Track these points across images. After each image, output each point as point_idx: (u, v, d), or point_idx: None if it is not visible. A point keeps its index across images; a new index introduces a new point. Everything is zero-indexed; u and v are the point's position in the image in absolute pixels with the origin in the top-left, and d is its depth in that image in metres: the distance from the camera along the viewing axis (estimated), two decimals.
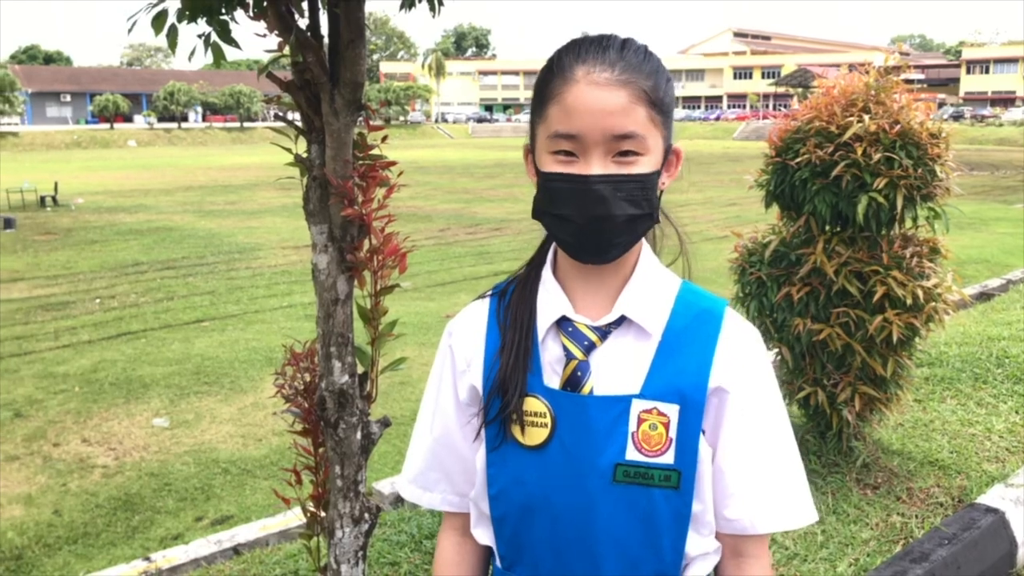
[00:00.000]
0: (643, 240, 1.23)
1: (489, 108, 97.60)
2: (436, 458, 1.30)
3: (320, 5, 2.13)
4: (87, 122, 72.23)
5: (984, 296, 8.66)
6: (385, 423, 2.31)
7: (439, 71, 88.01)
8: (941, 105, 71.60)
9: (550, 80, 1.15)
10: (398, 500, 4.23)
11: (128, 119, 70.95)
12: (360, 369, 2.20)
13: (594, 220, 1.12)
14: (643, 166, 1.13)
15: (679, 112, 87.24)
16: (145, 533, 5.20)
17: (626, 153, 1.11)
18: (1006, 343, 5.80)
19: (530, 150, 1.22)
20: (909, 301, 3.44)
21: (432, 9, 2.37)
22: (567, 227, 1.14)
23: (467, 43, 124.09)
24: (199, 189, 27.09)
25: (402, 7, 2.27)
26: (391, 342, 2.22)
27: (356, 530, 2.24)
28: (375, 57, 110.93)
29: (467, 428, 1.25)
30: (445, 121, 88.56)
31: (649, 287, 1.21)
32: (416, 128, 78.53)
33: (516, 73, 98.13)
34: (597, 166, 1.11)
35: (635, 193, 1.13)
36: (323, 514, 2.33)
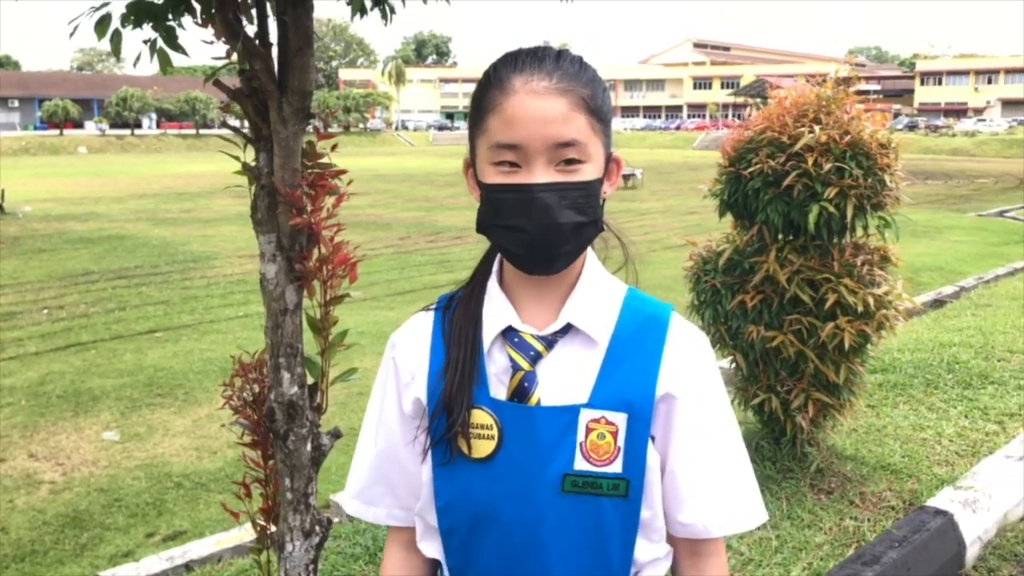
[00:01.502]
0: (588, 248, 1.23)
1: (450, 116, 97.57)
2: (380, 472, 1.29)
3: (269, 12, 2.10)
4: (35, 128, 70.69)
5: (938, 303, 8.85)
6: (336, 435, 2.27)
7: (399, 78, 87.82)
8: (896, 115, 73.31)
9: (488, 91, 1.15)
10: None
11: (78, 125, 69.47)
12: (310, 380, 2.17)
13: (541, 230, 1.11)
14: (586, 173, 1.13)
15: (640, 121, 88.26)
16: (94, 550, 5.07)
17: (569, 161, 1.11)
18: (957, 349, 5.93)
19: (470, 163, 1.22)
20: (860, 308, 3.49)
21: (384, 17, 2.35)
22: (514, 238, 1.13)
23: (428, 51, 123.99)
24: (153, 197, 26.62)
25: (354, 14, 2.25)
26: (350, 351, 2.19)
27: (307, 543, 2.20)
28: (334, 64, 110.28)
29: (412, 443, 1.24)
30: (406, 128, 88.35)
31: (595, 295, 1.21)
32: (376, 136, 78.18)
33: (477, 81, 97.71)
34: (541, 175, 1.11)
35: (580, 200, 1.12)
36: (273, 528, 2.29)
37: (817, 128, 3.48)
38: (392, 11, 2.35)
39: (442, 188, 29.72)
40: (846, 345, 3.53)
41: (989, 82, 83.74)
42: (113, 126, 69.34)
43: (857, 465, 3.99)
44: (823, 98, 3.63)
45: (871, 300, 3.51)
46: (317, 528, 2.24)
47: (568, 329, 1.18)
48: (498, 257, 1.25)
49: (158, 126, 74.32)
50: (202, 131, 69.56)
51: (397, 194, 27.39)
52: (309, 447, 2.16)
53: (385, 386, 1.28)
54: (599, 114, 1.15)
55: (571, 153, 1.11)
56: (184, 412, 7.13)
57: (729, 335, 3.81)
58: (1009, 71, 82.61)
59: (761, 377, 3.80)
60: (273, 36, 2.07)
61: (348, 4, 2.18)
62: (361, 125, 79.74)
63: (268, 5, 2.09)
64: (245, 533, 4.16)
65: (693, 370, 1.20)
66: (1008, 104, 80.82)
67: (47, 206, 23.45)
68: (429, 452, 1.20)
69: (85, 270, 13.71)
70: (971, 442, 4.33)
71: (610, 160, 1.20)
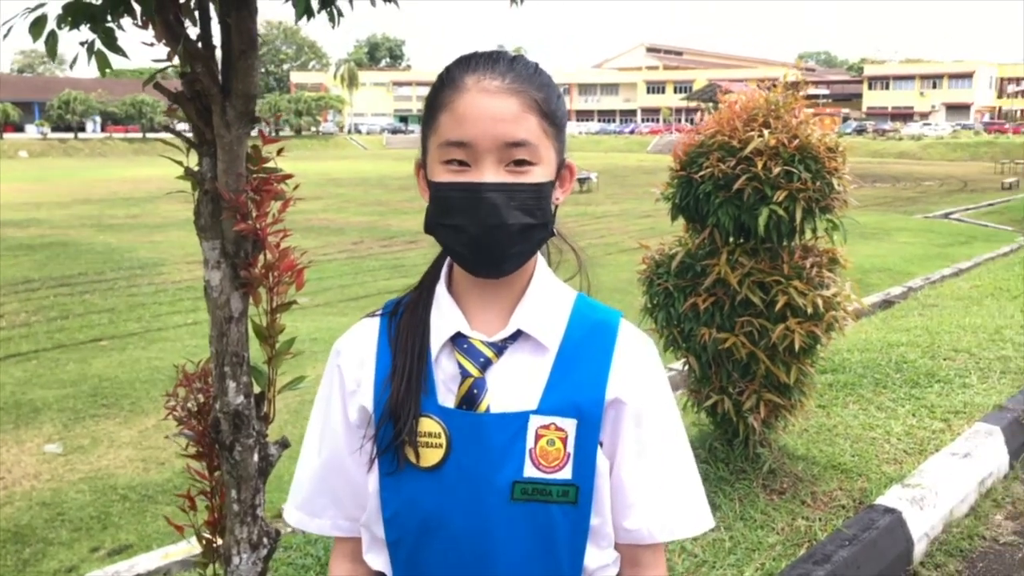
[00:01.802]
0: (538, 254, 1.22)
1: (404, 119, 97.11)
2: (324, 482, 1.26)
3: (212, 14, 2.04)
4: None
5: (887, 304, 9.02)
6: (284, 444, 2.23)
7: (352, 81, 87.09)
8: (845, 119, 74.90)
9: (440, 91, 1.15)
10: None
11: (19, 129, 67.50)
12: (256, 389, 2.12)
13: (488, 230, 1.10)
14: (536, 175, 1.12)
15: (595, 126, 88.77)
16: (37, 566, 4.91)
17: (520, 163, 1.11)
18: (904, 349, 6.05)
19: (421, 165, 1.20)
20: (810, 310, 3.53)
21: (331, 19, 2.31)
22: (460, 238, 1.12)
23: (381, 53, 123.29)
24: (98, 202, 26.01)
25: (299, 17, 2.20)
26: (302, 358, 2.15)
27: (254, 556, 2.15)
28: (285, 67, 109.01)
29: (358, 453, 1.21)
30: (359, 132, 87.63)
31: (545, 300, 1.20)
32: (329, 139, 77.40)
33: (431, 84, 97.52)
34: (490, 174, 1.10)
35: (529, 202, 1.12)
36: (220, 541, 2.24)
37: (766, 132, 3.52)
38: (340, 14, 2.31)
39: (396, 192, 29.53)
40: (796, 346, 3.57)
41: (934, 87, 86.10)
42: (55, 129, 67.45)
43: (808, 465, 4.04)
44: (772, 102, 3.67)
45: (820, 302, 3.55)
46: (265, 540, 2.19)
47: (518, 335, 1.18)
48: (447, 262, 1.24)
49: (103, 129, 72.51)
50: (149, 135, 68.12)
51: (350, 198, 27.15)
52: (256, 457, 2.12)
53: (330, 394, 1.26)
54: (552, 118, 1.14)
55: (521, 154, 1.10)
56: (130, 423, 6.96)
57: (682, 337, 3.83)
58: (953, 76, 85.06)
59: (713, 379, 3.83)
60: (217, 39, 2.03)
61: (293, 6, 2.14)
62: (313, 129, 78.90)
63: (211, 7, 2.04)
64: (193, 547, 4.05)
65: (641, 376, 1.20)
66: (952, 108, 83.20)
67: None
68: (375, 462, 1.18)
69: (25, 278, 13.32)
70: (918, 440, 4.42)
71: (563, 166, 1.20)
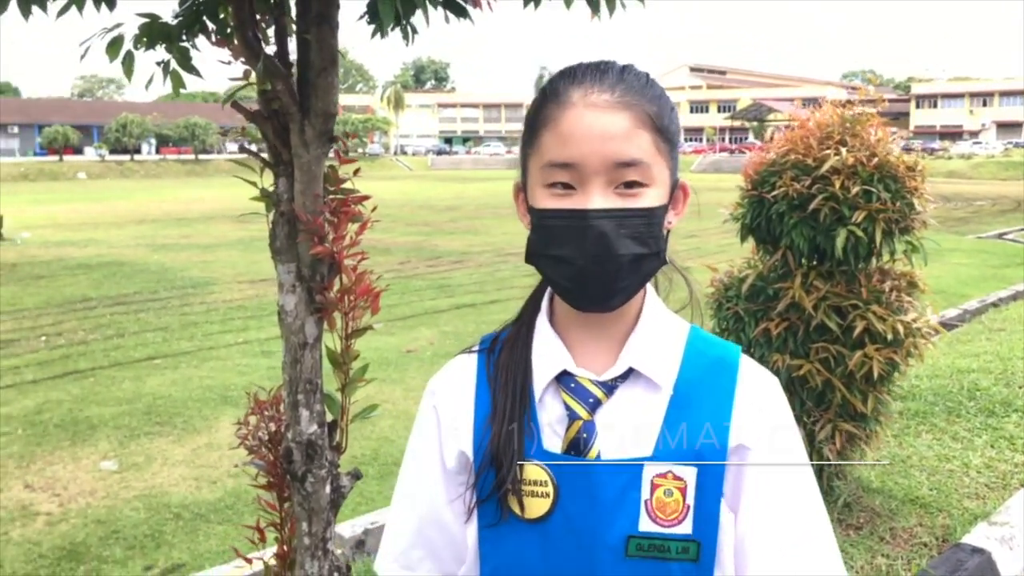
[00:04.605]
0: (648, 284, 1.12)
1: (448, 140, 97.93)
2: (420, 534, 1.16)
3: (289, 31, 2.01)
4: (35, 154, 70.71)
5: (944, 327, 8.72)
6: (356, 476, 2.16)
7: (398, 104, 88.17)
8: None
9: (543, 107, 1.05)
10: (359, 544, 4.05)
11: (78, 151, 69.54)
12: (329, 418, 2.06)
13: (595, 261, 1.00)
14: (649, 199, 1.02)
15: None
16: None
17: (631, 184, 1.00)
18: (976, 375, 5.81)
19: (521, 188, 1.10)
20: (889, 336, 3.37)
21: (405, 37, 2.27)
22: (565, 270, 1.02)
23: (426, 76, 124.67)
24: (152, 223, 26.53)
25: (374, 35, 2.16)
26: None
27: None
28: None
29: (457, 502, 1.11)
30: (404, 153, 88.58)
31: (657, 334, 1.10)
32: (375, 160, 78.38)
33: (476, 106, 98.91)
34: (598, 199, 0.99)
35: (641, 229, 1.01)
36: (289, 575, 2.17)
37: (843, 150, 3.39)
38: (414, 31, 2.27)
39: (441, 212, 29.69)
40: (875, 374, 3.41)
41: (984, 104, 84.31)
42: (113, 152, 69.34)
43: (885, 499, 3.86)
44: (847, 120, 3.54)
45: (900, 327, 3.40)
46: (335, 575, 2.12)
47: (629, 373, 1.07)
48: (548, 293, 1.14)
49: (157, 151, 74.40)
50: (201, 156, 69.67)
51: (396, 218, 27.32)
52: (328, 489, 2.04)
53: (425, 437, 1.16)
54: (665, 133, 1.04)
55: (633, 175, 1.00)
56: (183, 441, 6.98)
57: None
58: (1004, 93, 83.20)
59: None
60: (292, 55, 1.99)
61: (369, 23, 2.09)
62: (360, 150, 79.99)
63: (289, 24, 2.00)
64: (247, 566, 4.01)
65: (767, 418, 1.09)
66: (1003, 126, 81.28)
67: (46, 232, 23.33)
68: (475, 512, 1.08)
69: (83, 296, 13.57)
70: (1000, 474, 4.21)
71: (676, 186, 1.09)
